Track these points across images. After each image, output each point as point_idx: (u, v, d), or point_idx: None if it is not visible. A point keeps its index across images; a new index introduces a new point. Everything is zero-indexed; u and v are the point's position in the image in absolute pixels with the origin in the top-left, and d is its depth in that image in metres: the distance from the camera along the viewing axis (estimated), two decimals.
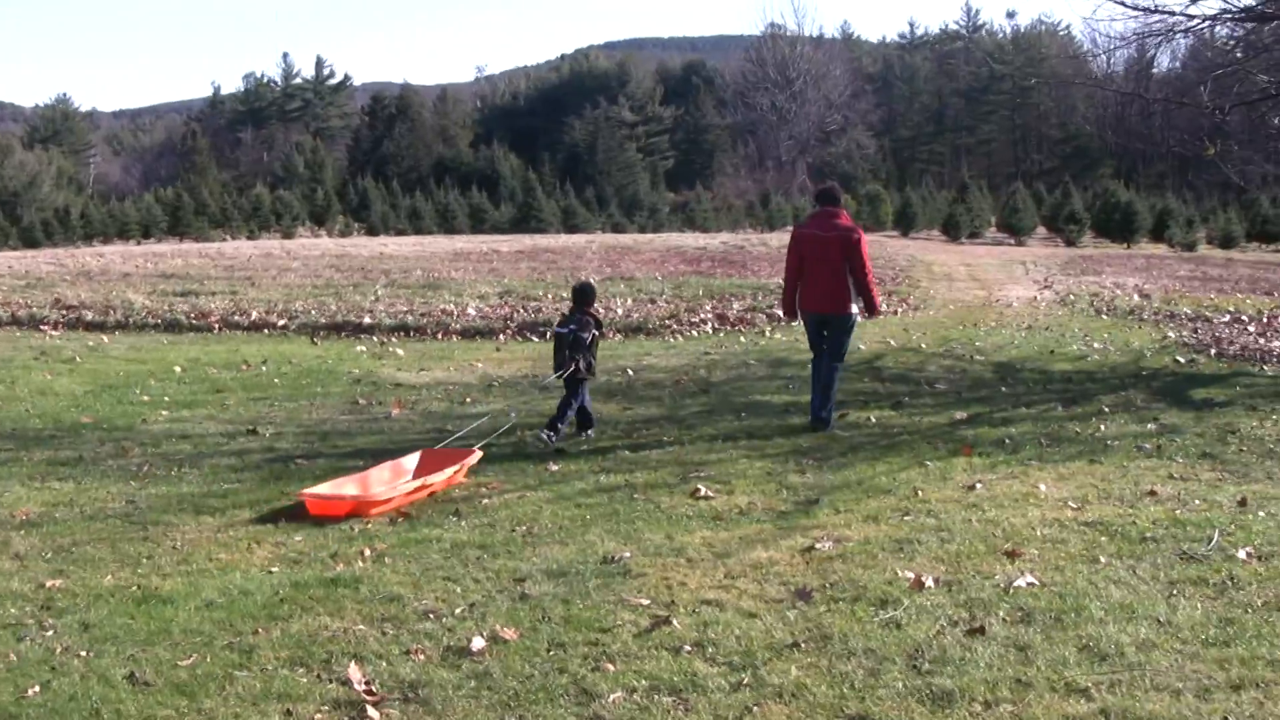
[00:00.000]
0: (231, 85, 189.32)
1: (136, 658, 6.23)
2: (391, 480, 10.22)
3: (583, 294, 12.63)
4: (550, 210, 74.64)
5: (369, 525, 8.82)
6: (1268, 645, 6.21)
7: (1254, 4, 18.12)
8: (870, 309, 12.87)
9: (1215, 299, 28.11)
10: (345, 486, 9.82)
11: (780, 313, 15.81)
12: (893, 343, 19.31)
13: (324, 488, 9.70)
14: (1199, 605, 6.84)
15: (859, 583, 7.30)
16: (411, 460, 10.74)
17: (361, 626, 6.65)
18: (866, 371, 14.13)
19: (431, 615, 6.82)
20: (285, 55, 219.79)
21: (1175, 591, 7.09)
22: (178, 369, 17.07)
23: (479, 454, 10.93)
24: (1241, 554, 7.77)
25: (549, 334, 13.20)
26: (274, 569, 7.75)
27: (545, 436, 11.81)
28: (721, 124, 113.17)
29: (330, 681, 5.91)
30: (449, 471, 10.24)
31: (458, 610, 6.89)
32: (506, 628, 6.54)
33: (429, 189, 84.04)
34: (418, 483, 9.98)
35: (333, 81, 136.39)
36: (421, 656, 6.20)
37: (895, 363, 17.36)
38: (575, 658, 6.17)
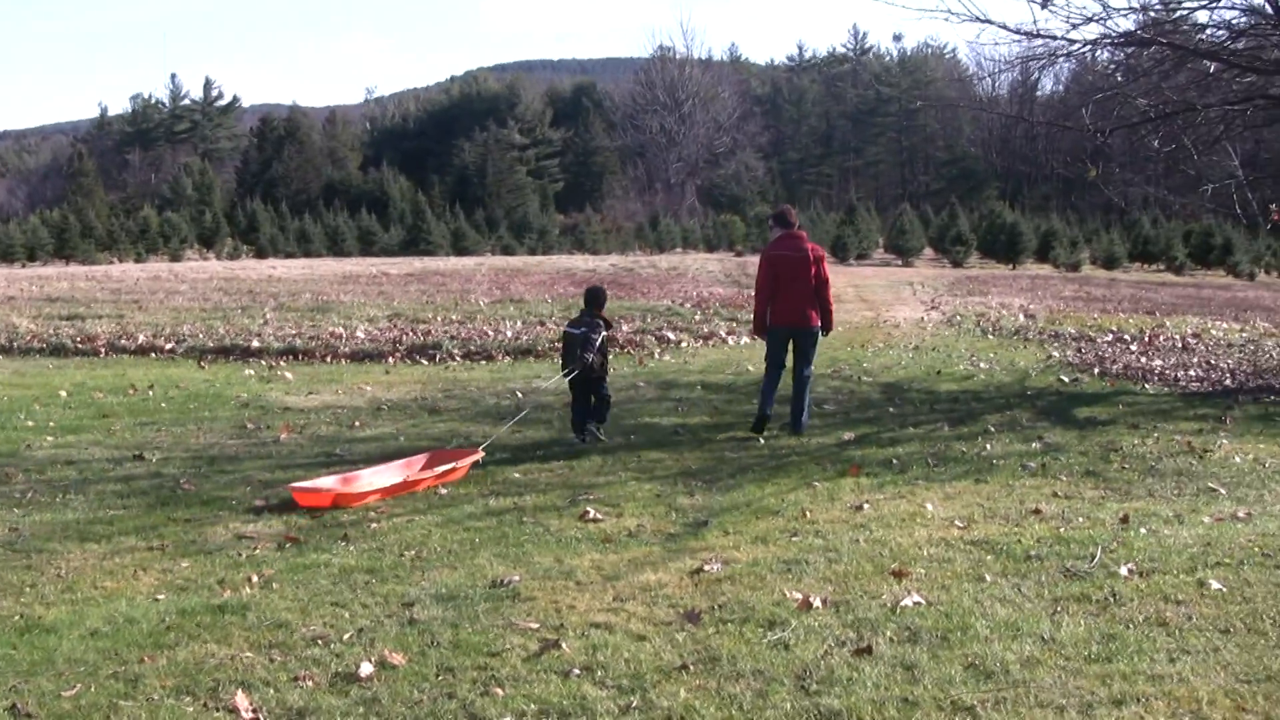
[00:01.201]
0: (119, 106, 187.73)
1: (19, 689, 6.11)
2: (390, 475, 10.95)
3: (594, 297, 13.46)
4: (440, 233, 74.33)
5: (256, 551, 8.75)
6: (1148, 660, 6.31)
7: (1133, 29, 18.54)
8: (826, 326, 13.77)
9: (1099, 318, 28.57)
10: (338, 481, 10.58)
11: (752, 330, 16.34)
12: None
13: (322, 481, 10.58)
14: (1082, 622, 6.94)
15: (747, 604, 7.33)
16: (417, 461, 11.49)
17: (249, 654, 6.59)
18: (754, 393, 14.19)
19: (319, 641, 6.76)
20: (173, 76, 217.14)
21: (1059, 609, 7.18)
22: (63, 394, 16.83)
23: (481, 454, 11.66)
24: (1123, 570, 7.90)
25: (561, 332, 13.81)
26: (160, 596, 7.65)
27: (588, 439, 13.07)
28: (611, 146, 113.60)
29: (217, 710, 5.85)
30: (436, 471, 10.92)
31: (346, 636, 6.84)
32: (395, 653, 6.51)
33: (318, 211, 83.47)
34: (399, 479, 10.70)
35: (221, 103, 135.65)
36: (310, 683, 6.14)
37: (784, 384, 17.45)
38: (464, 682, 6.15)
